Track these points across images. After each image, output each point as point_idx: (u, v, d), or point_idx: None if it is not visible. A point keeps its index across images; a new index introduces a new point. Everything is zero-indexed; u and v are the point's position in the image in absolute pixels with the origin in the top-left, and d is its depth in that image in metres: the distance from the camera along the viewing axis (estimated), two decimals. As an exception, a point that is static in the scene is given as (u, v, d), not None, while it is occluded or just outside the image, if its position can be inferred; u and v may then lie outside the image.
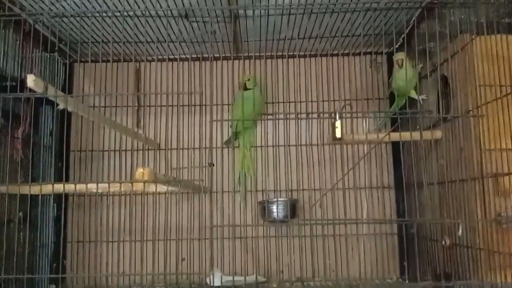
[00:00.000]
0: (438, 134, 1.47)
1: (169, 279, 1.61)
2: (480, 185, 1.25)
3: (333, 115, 1.13)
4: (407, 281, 1.57)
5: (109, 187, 1.25)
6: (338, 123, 1.12)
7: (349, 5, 1.32)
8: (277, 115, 1.60)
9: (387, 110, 1.84)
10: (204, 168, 1.56)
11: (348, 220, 1.02)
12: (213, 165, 1.80)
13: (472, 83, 1.28)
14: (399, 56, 1.61)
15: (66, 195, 1.83)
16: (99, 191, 1.28)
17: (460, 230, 1.30)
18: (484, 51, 1.29)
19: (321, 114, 1.17)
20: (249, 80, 1.81)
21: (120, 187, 1.20)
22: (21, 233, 1.56)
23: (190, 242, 1.71)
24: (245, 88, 1.80)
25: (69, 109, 1.20)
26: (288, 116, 1.11)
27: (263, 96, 1.89)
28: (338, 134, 1.12)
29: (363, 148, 1.81)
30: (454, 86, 1.40)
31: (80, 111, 1.24)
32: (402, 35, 1.73)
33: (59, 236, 1.79)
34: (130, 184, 1.20)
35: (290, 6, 1.29)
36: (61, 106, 1.16)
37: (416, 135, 1.47)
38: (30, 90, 1.11)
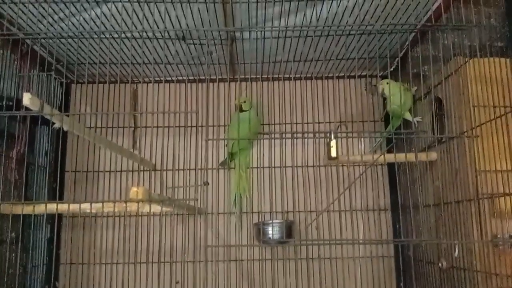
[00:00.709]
0: (433, 155, 1.47)
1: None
2: (476, 206, 1.25)
3: (328, 134, 1.13)
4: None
5: (103, 207, 1.24)
6: (333, 143, 1.12)
7: (344, 27, 1.34)
8: (273, 134, 1.60)
9: (382, 130, 1.85)
10: (199, 187, 1.55)
11: (344, 240, 1.01)
12: (208, 183, 1.80)
13: (466, 104, 1.29)
14: (379, 83, 1.64)
15: (60, 217, 1.82)
16: (93, 211, 1.27)
17: (457, 251, 1.29)
18: (478, 74, 1.30)
19: (317, 134, 1.18)
20: (245, 102, 1.82)
21: (114, 207, 1.19)
22: (13, 254, 1.54)
23: (184, 264, 1.69)
24: (241, 110, 1.81)
25: (65, 128, 1.20)
26: (284, 135, 1.10)
27: (258, 118, 1.90)
28: (333, 153, 1.12)
29: (359, 170, 1.81)
30: (448, 108, 1.41)
31: (75, 130, 1.23)
32: (397, 59, 1.76)
33: (52, 258, 1.76)
34: (124, 204, 1.19)
35: (286, 28, 1.31)
36: (57, 125, 1.16)
37: (411, 156, 1.48)
38: (26, 109, 1.11)
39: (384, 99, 1.80)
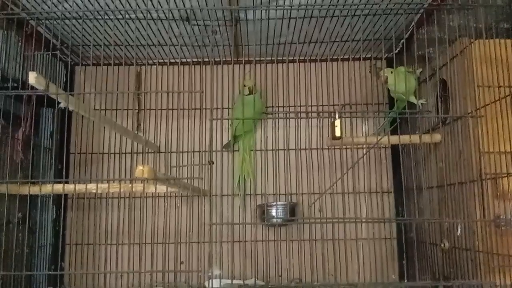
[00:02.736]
0: (437, 137, 1.47)
1: (167, 279, 1.60)
2: (479, 187, 1.25)
3: (332, 114, 1.13)
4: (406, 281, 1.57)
5: (108, 187, 1.25)
6: (337, 122, 1.12)
7: (350, 7, 1.33)
8: (277, 114, 1.60)
9: (387, 111, 1.85)
10: (203, 167, 1.56)
11: (347, 218, 1.02)
12: (213, 163, 1.81)
13: (471, 85, 1.29)
14: (383, 72, 1.62)
15: (65, 197, 1.83)
16: (99, 191, 1.28)
17: (459, 230, 1.30)
18: (483, 55, 1.30)
19: (321, 113, 1.18)
20: (254, 85, 1.82)
21: (120, 187, 1.20)
22: (20, 234, 1.56)
23: (189, 245, 1.70)
24: (250, 93, 1.81)
25: (70, 108, 1.20)
26: (288, 115, 1.11)
27: (262, 101, 1.90)
28: (337, 133, 1.12)
29: (362, 152, 1.81)
30: (453, 89, 1.40)
31: (81, 111, 1.24)
32: (402, 40, 1.74)
33: (58, 238, 1.78)
34: (129, 184, 1.20)
35: (291, 6, 1.30)
36: (62, 105, 1.16)
37: (415, 138, 1.48)
38: (32, 88, 1.12)
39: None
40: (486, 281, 1.16)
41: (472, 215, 1.26)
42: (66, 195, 1.82)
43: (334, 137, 1.13)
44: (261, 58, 1.92)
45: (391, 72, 1.59)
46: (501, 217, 1.21)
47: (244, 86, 1.82)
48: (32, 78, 1.02)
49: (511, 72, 1.23)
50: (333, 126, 1.13)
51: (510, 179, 1.18)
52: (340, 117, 1.12)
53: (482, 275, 1.19)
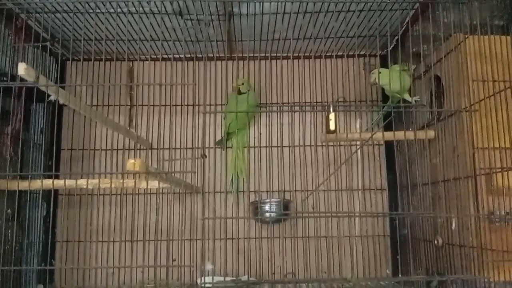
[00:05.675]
0: (431, 133, 1.47)
1: (159, 276, 1.59)
2: (473, 183, 1.25)
3: (326, 107, 1.12)
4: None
5: (99, 182, 1.23)
6: (332, 116, 1.11)
7: (344, 2, 1.32)
8: (270, 107, 1.59)
9: (381, 105, 1.85)
10: (196, 161, 1.55)
11: (340, 213, 1.01)
12: (206, 156, 1.79)
13: (465, 81, 1.28)
14: (372, 73, 1.62)
15: (56, 194, 1.81)
16: (89, 187, 1.27)
17: (454, 224, 1.29)
18: (477, 50, 1.29)
19: (315, 107, 1.17)
20: (243, 84, 1.80)
21: (111, 181, 1.18)
22: (9, 231, 1.53)
23: (181, 243, 1.69)
24: (239, 92, 1.79)
25: (60, 101, 1.18)
26: (281, 108, 1.10)
27: (256, 99, 1.88)
28: (332, 126, 1.11)
29: (356, 148, 1.81)
30: (447, 85, 1.40)
31: (71, 104, 1.22)
32: (396, 37, 1.74)
33: (48, 235, 1.76)
34: (121, 179, 1.18)
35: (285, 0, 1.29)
36: (52, 98, 1.15)
37: (410, 134, 1.48)
38: (21, 81, 1.10)
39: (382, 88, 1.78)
40: (479, 276, 1.16)
41: (466, 211, 1.26)
42: (56, 191, 1.80)
43: (328, 131, 1.13)
44: (255, 55, 1.91)
45: (379, 72, 1.58)
46: (495, 212, 1.21)
47: (237, 85, 1.81)
48: (22, 69, 1.00)
49: (505, 68, 1.23)
50: (327, 119, 1.12)
51: (504, 175, 1.18)
52: (334, 110, 1.11)
53: (476, 271, 1.18)
